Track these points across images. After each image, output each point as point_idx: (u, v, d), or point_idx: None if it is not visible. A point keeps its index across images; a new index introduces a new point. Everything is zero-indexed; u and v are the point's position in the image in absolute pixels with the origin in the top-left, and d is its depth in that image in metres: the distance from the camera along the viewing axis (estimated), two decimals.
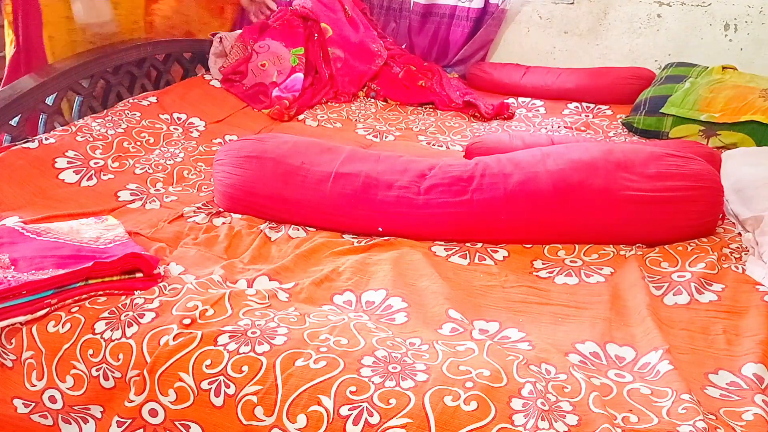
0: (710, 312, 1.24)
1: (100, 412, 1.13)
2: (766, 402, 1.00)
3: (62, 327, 1.16)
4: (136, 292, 1.22)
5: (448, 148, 2.18)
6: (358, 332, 1.13)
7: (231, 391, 1.04)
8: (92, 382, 1.12)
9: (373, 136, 2.30)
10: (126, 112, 2.04)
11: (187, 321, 1.14)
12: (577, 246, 1.50)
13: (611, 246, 1.49)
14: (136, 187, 1.77)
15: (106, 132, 1.92)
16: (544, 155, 1.55)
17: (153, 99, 2.17)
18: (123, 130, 1.95)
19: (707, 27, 2.71)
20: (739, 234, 1.51)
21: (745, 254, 1.42)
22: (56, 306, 1.19)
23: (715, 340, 1.17)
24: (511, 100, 2.71)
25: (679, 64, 2.59)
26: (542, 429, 0.92)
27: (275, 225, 1.60)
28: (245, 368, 1.05)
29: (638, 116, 2.30)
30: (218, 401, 1.04)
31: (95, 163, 1.81)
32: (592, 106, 2.59)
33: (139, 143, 1.95)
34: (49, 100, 1.97)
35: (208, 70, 2.72)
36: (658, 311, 1.25)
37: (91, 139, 1.88)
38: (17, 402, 1.16)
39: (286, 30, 2.62)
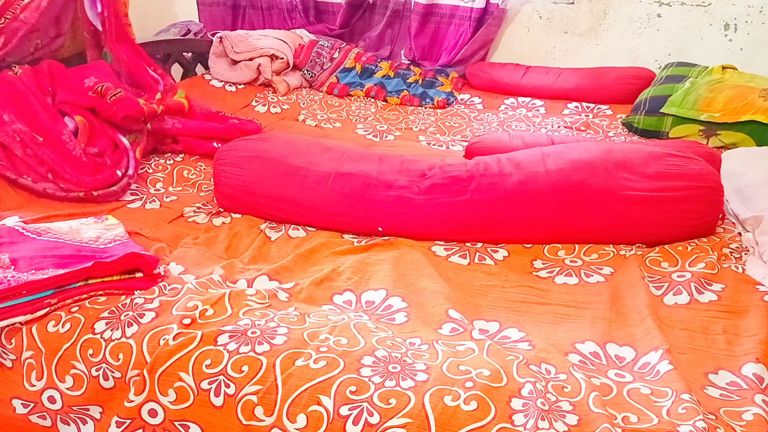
0: (710, 312, 1.24)
1: (99, 412, 1.13)
2: (766, 402, 1.00)
3: (62, 327, 1.16)
4: (136, 292, 1.22)
5: (448, 148, 2.18)
6: (358, 332, 1.13)
7: (231, 390, 1.04)
8: (92, 382, 1.12)
9: (373, 136, 2.30)
10: None
11: (187, 321, 1.14)
12: (577, 246, 1.50)
13: (611, 246, 1.49)
14: (136, 187, 1.77)
15: None
16: (544, 155, 1.55)
17: None
18: None
19: (707, 27, 2.71)
20: (739, 234, 1.50)
21: (745, 254, 1.42)
22: (56, 306, 1.19)
23: (715, 340, 1.17)
24: (511, 100, 2.71)
25: (679, 64, 2.59)
26: (542, 429, 0.92)
27: (275, 225, 1.60)
28: (245, 368, 1.05)
29: (638, 116, 2.30)
30: (218, 401, 1.04)
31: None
32: (592, 106, 2.59)
33: None
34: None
35: (208, 69, 2.72)
36: (658, 311, 1.25)
37: None
38: (16, 402, 1.16)
39: None
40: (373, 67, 2.88)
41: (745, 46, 2.68)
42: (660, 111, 2.25)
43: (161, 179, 1.83)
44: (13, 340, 1.17)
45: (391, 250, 1.46)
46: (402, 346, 1.10)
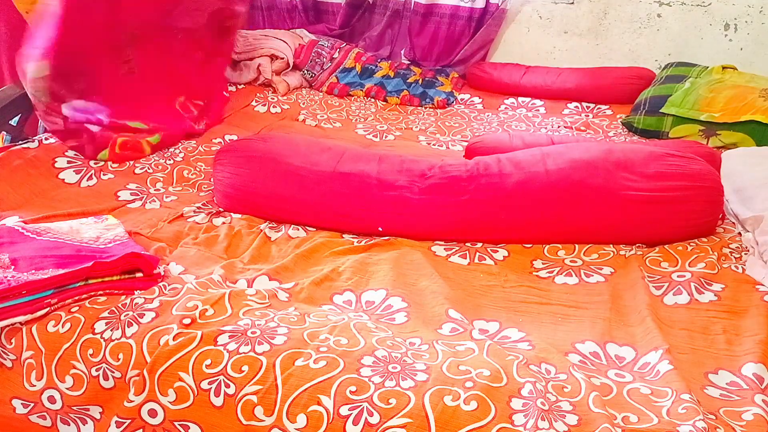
0: (710, 312, 1.24)
1: (99, 412, 1.12)
2: (766, 402, 1.00)
3: (62, 327, 1.16)
4: (136, 292, 1.22)
5: (448, 148, 2.18)
6: (358, 332, 1.13)
7: (231, 390, 1.04)
8: (92, 382, 1.12)
9: (373, 136, 2.30)
10: None
11: (187, 321, 1.14)
12: (577, 246, 1.50)
13: (611, 246, 1.49)
14: (136, 187, 1.77)
15: None
16: (544, 155, 1.55)
17: None
18: None
19: (707, 27, 2.71)
20: (739, 234, 1.50)
21: (745, 254, 1.42)
22: (56, 306, 1.19)
23: (715, 340, 1.17)
24: (511, 100, 2.71)
25: (679, 64, 2.59)
26: (542, 429, 0.92)
27: (275, 225, 1.60)
28: (245, 368, 1.05)
29: (638, 116, 2.30)
30: (218, 401, 1.04)
31: (95, 163, 1.81)
32: (592, 106, 2.59)
33: None
34: None
35: None
36: (658, 311, 1.25)
37: None
38: (16, 402, 1.16)
39: None
40: (373, 67, 2.88)
41: (745, 46, 2.68)
42: (660, 111, 2.25)
43: (161, 179, 1.83)
44: (13, 340, 1.17)
45: (391, 250, 1.46)
46: (402, 346, 1.10)
